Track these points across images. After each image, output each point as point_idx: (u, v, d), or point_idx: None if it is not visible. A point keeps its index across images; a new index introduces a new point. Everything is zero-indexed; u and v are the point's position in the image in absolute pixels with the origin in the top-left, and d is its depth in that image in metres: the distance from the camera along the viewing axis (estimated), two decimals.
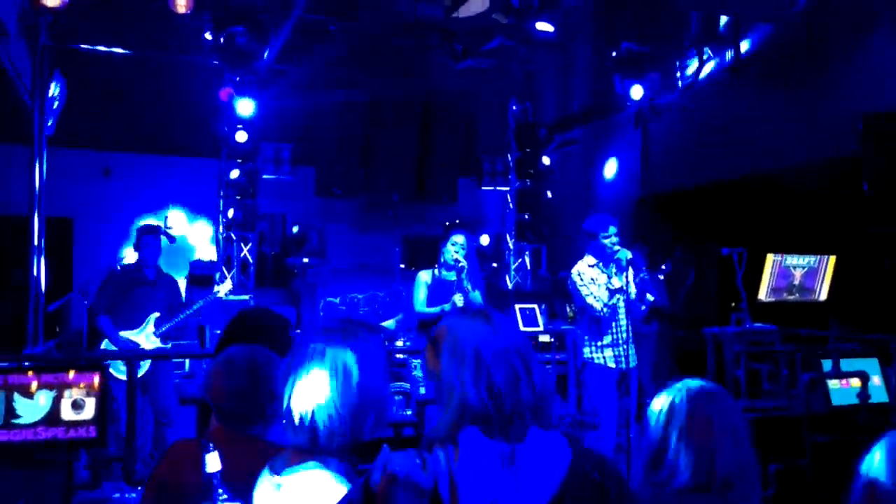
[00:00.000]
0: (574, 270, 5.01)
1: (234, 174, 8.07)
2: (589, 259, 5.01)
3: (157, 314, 5.57)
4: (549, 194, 9.61)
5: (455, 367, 1.39)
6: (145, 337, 5.51)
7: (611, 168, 9.45)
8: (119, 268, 5.66)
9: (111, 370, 4.87)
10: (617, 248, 4.86)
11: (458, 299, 5.13)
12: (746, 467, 1.79)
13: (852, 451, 1.70)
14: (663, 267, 7.63)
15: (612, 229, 4.94)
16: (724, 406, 1.83)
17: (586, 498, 1.38)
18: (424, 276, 5.36)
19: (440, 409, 1.39)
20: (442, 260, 5.25)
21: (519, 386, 1.38)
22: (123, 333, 5.45)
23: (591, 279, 4.93)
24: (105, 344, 5.49)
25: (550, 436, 1.41)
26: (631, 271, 4.86)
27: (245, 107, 7.98)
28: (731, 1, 6.67)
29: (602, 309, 4.82)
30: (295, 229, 9.09)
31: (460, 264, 5.16)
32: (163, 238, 5.73)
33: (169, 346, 5.81)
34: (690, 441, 1.77)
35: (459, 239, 5.28)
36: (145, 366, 5.44)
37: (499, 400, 1.35)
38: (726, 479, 1.74)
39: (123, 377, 4.97)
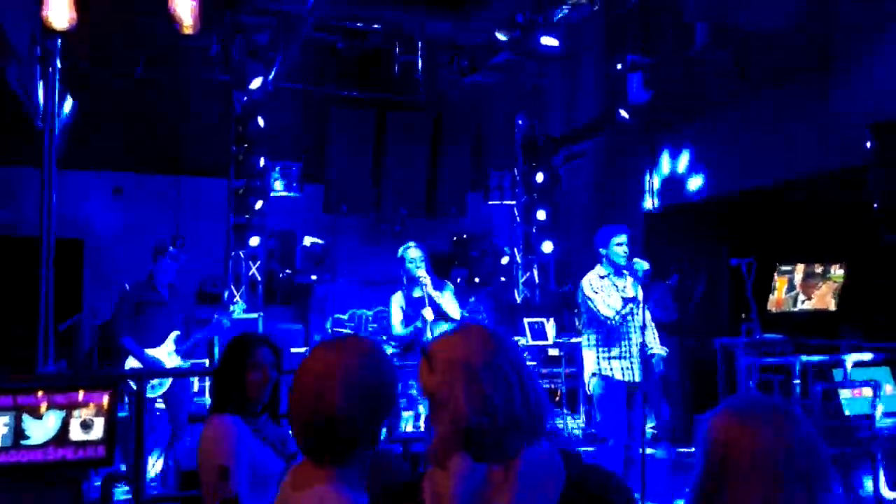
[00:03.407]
0: (585, 280, 4.99)
1: (244, 192, 8.10)
2: (600, 270, 4.99)
3: (177, 332, 5.65)
4: (557, 207, 9.59)
5: (447, 382, 1.33)
6: (167, 354, 5.59)
7: (619, 180, 9.42)
8: (128, 287, 5.71)
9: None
10: (636, 259, 4.84)
11: (428, 313, 5.13)
12: None
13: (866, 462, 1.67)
14: (670, 280, 7.62)
15: (624, 238, 4.93)
16: (798, 436, 1.32)
17: None
18: (397, 299, 5.40)
19: (434, 426, 1.35)
20: (406, 279, 5.27)
21: (512, 399, 1.32)
22: (148, 351, 5.52)
23: (602, 288, 4.91)
24: (129, 363, 5.53)
25: (545, 454, 1.35)
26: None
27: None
28: (739, 11, 6.65)
29: (613, 317, 4.77)
30: (309, 241, 9.06)
31: (422, 279, 5.16)
32: (174, 257, 5.79)
33: (188, 364, 5.88)
34: (749, 485, 1.31)
35: (415, 253, 5.31)
36: (167, 382, 5.51)
37: (493, 414, 1.29)
38: None
39: (150, 395, 5.12)
